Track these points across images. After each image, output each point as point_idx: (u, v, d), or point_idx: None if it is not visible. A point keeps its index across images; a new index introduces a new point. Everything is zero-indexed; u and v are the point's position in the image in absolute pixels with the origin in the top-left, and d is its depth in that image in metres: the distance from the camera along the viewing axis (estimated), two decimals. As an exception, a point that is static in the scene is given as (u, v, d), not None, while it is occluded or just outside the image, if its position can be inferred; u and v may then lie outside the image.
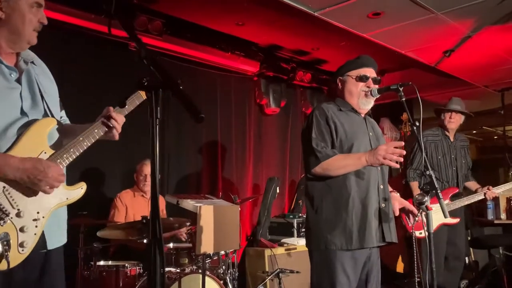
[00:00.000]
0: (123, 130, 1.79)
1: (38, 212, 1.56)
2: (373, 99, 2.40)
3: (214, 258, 3.43)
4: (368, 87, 2.37)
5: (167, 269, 3.05)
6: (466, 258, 4.89)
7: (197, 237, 2.66)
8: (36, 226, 1.56)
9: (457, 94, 4.11)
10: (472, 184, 3.95)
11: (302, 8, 3.66)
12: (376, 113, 2.56)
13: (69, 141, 1.65)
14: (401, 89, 2.24)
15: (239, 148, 5.33)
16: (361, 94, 2.38)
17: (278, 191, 4.69)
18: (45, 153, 1.61)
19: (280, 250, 4.03)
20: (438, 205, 2.18)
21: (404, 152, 2.14)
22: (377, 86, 2.39)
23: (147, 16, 3.97)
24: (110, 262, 3.25)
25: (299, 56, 5.40)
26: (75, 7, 3.71)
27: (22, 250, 1.52)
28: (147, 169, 3.73)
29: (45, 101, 1.67)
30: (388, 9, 3.73)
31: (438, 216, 2.99)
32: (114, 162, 4.12)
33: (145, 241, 2.97)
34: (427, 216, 2.19)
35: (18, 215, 1.52)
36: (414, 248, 2.46)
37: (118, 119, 1.71)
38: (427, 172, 2.21)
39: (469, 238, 5.00)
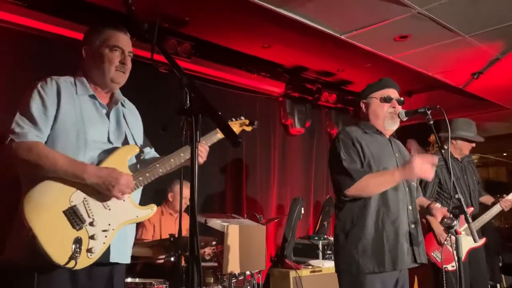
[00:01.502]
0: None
1: (109, 224, 1.73)
2: (399, 120, 2.41)
3: (240, 278, 3.43)
4: (394, 107, 2.39)
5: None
6: (498, 285, 4.73)
7: (224, 256, 2.69)
8: (106, 237, 1.72)
9: (485, 116, 4.04)
10: (487, 198, 3.83)
11: (328, 31, 3.72)
12: (403, 134, 2.56)
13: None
14: (429, 112, 2.24)
15: (263, 168, 5.35)
16: (387, 116, 2.39)
17: (302, 212, 4.67)
18: None
19: (305, 272, 3.99)
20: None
21: (437, 160, 2.14)
22: (400, 108, 2.40)
23: (176, 39, 4.11)
24: (137, 279, 3.29)
25: (324, 77, 5.44)
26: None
27: (90, 255, 1.67)
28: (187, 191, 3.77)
29: (130, 133, 1.91)
30: (415, 32, 3.75)
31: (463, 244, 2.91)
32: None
33: (172, 259, 3.01)
34: (456, 241, 2.16)
35: (91, 224, 1.69)
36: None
37: (202, 149, 1.89)
38: (456, 196, 2.18)
39: (500, 264, 4.84)
